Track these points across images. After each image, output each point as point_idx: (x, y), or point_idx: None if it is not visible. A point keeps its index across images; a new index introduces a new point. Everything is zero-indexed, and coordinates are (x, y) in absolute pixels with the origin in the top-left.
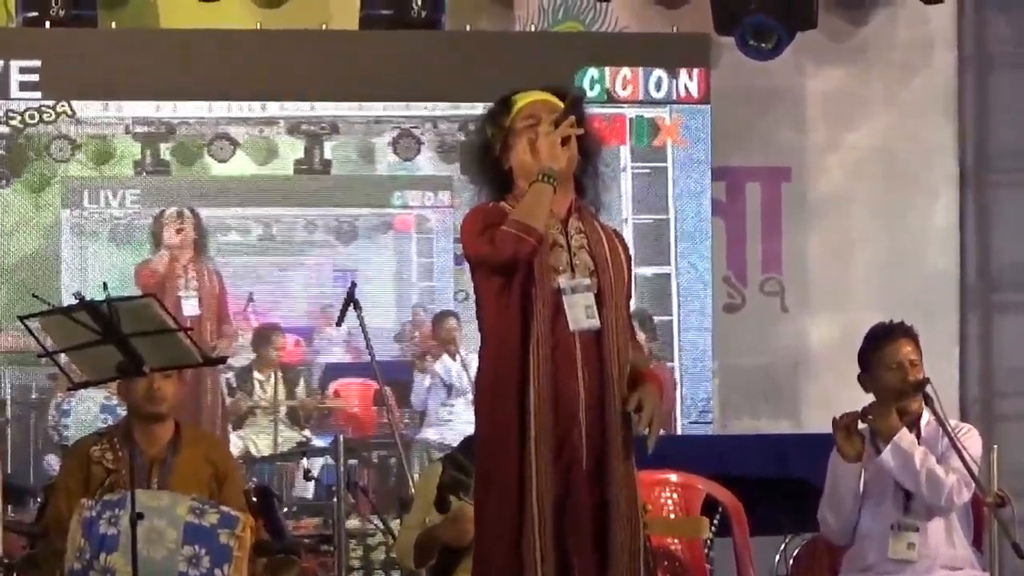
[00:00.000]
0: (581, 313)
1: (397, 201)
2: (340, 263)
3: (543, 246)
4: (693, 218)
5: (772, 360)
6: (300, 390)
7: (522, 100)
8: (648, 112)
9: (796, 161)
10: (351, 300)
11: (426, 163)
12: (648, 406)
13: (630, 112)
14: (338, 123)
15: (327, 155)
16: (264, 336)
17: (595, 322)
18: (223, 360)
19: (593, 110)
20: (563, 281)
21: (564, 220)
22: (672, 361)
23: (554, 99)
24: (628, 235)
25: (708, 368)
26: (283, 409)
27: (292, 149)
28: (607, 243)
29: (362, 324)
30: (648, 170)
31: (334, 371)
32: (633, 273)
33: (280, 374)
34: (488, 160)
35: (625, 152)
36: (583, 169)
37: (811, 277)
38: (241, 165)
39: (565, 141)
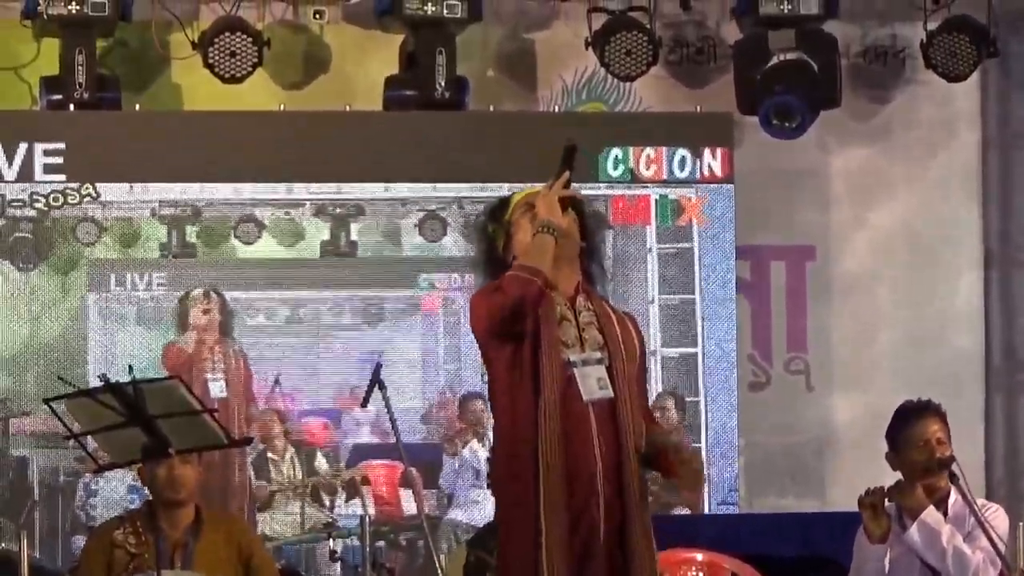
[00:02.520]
0: (594, 384)
1: (423, 283)
2: (367, 345)
3: (549, 308)
4: (718, 297)
5: (798, 439)
6: (325, 470)
7: (519, 196)
8: (672, 192)
9: (820, 240)
10: (376, 380)
11: (452, 244)
12: (691, 453)
13: (654, 192)
14: (364, 205)
15: (353, 237)
16: (265, 423)
17: (608, 392)
18: (249, 441)
19: (617, 191)
20: (573, 355)
21: (571, 298)
22: (700, 442)
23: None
24: (654, 316)
25: (734, 447)
26: (307, 489)
27: (318, 231)
28: (617, 321)
29: (388, 405)
30: (674, 250)
31: (361, 452)
32: (647, 353)
33: (294, 453)
34: (493, 257)
35: (650, 232)
36: (588, 255)
37: (836, 356)
38: (267, 247)
39: (564, 203)
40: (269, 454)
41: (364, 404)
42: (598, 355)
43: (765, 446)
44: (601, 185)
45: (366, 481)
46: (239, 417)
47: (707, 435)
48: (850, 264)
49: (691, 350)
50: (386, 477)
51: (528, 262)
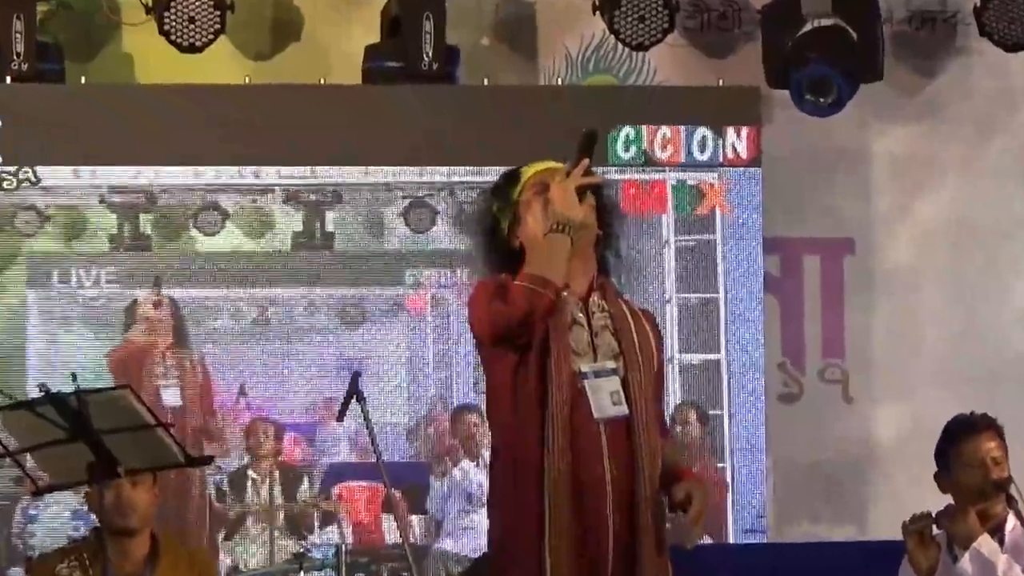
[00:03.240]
0: (606, 399)
1: (409, 279)
2: (345, 351)
3: (560, 312)
4: (744, 297)
5: (833, 456)
6: (301, 493)
7: (530, 170)
8: (691, 176)
9: (860, 232)
10: (354, 392)
11: (442, 235)
12: (697, 501)
13: (671, 177)
14: (341, 191)
15: (329, 227)
16: (256, 432)
17: (622, 408)
18: (209, 460)
19: (629, 175)
20: (585, 365)
21: (584, 298)
22: (723, 461)
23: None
24: (671, 317)
25: (762, 467)
26: (280, 515)
27: (290, 220)
28: (634, 323)
29: (367, 419)
30: (693, 243)
31: (338, 472)
32: (664, 358)
33: (277, 475)
34: (496, 240)
35: (667, 222)
36: (604, 242)
37: (877, 362)
38: (232, 239)
39: (581, 194)
40: (251, 472)
41: (340, 418)
42: (612, 365)
43: (797, 465)
44: (611, 169)
45: (343, 505)
46: (195, 432)
47: (731, 453)
48: (893, 259)
49: (713, 356)
50: (366, 501)
51: (540, 270)
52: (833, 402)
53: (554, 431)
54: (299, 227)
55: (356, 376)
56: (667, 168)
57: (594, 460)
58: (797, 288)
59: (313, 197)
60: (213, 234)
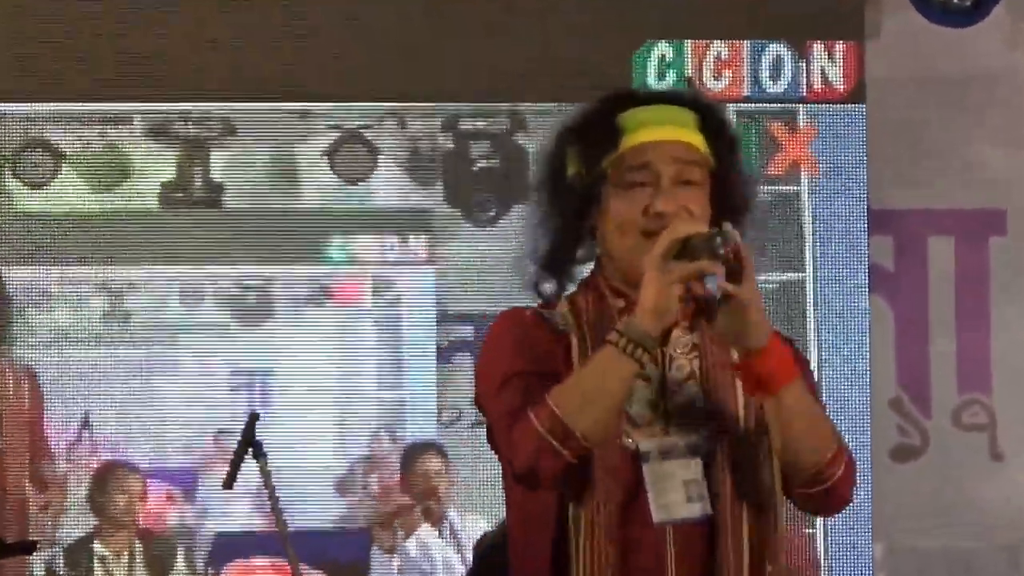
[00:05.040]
0: (678, 494)
1: (338, 252)
2: (242, 360)
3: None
4: (839, 301)
5: (976, 542)
6: (175, 572)
7: (635, 131)
8: (761, 116)
9: (1014, 199)
10: (249, 444)
11: (387, 188)
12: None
13: (731, 116)
14: (234, 121)
15: (215, 175)
16: (107, 483)
17: (703, 506)
18: (32, 547)
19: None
20: (646, 443)
21: (667, 328)
22: (813, 526)
23: (688, 135)
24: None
25: (867, 551)
26: None
27: (156, 165)
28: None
29: (267, 480)
30: (769, 198)
31: (231, 546)
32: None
33: (139, 549)
34: (564, 206)
35: None
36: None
37: None
38: (70, 192)
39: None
40: (99, 546)
41: (228, 484)
42: (692, 439)
43: (919, 553)
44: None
45: None
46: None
47: (824, 531)
48: None
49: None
50: None
51: (569, 402)
52: (975, 459)
53: (593, 538)
54: (171, 175)
55: (253, 420)
56: (723, 104)
57: None
58: (919, 287)
59: (192, 130)
60: (41, 185)
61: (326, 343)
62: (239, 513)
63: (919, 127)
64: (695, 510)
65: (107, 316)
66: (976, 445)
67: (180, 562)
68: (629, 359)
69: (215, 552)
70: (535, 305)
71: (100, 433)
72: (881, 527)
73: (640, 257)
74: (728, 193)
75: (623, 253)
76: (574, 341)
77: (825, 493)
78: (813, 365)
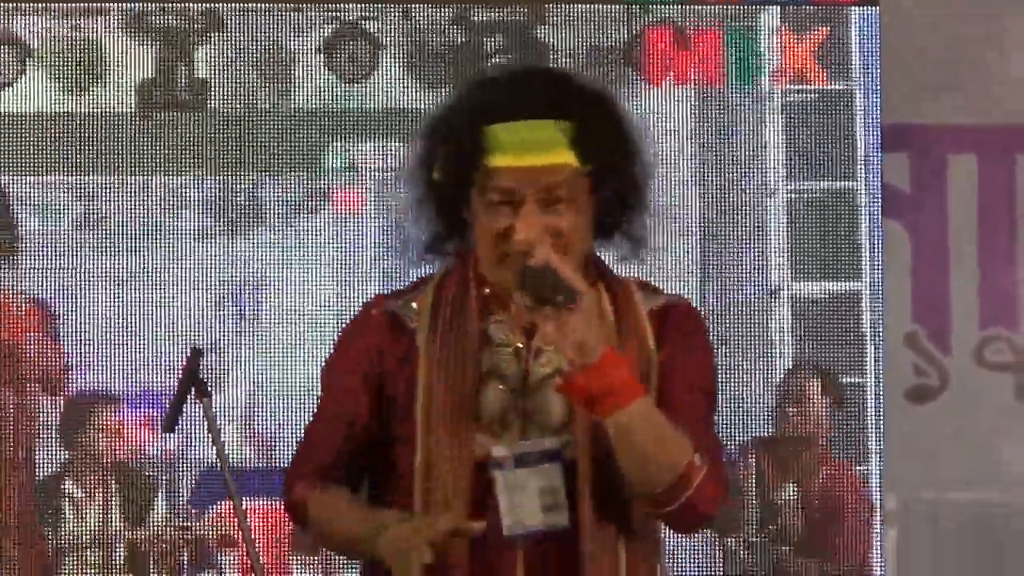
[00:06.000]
0: (532, 503)
1: (337, 158)
2: (229, 272)
3: (464, 375)
4: (847, 222)
5: (999, 495)
6: (155, 514)
7: (501, 152)
8: (760, 19)
9: None
10: (192, 380)
11: (390, 87)
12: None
13: (725, 20)
14: (221, 12)
15: (200, 71)
16: (79, 412)
17: (560, 517)
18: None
19: (648, 19)
20: (497, 449)
21: (530, 326)
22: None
23: (556, 155)
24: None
25: (878, 506)
26: (119, 553)
27: (136, 58)
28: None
29: (211, 424)
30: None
31: (219, 484)
32: (706, 382)
33: (113, 486)
34: (437, 202)
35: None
36: (611, 224)
37: None
38: (39, 92)
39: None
40: (69, 484)
41: (168, 427)
42: (550, 444)
43: (939, 506)
44: (616, 6)
45: (227, 541)
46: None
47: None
48: None
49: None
50: (267, 521)
51: (318, 526)
52: (999, 401)
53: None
54: (151, 73)
55: (196, 356)
56: (715, 4)
57: None
58: (939, 210)
59: (174, 23)
60: (8, 84)
61: (322, 255)
62: (233, 439)
63: (939, 28)
64: (553, 519)
65: (77, 226)
66: (1000, 385)
67: (161, 501)
68: (370, 554)
69: (200, 490)
70: (404, 287)
71: (70, 356)
72: (893, 479)
73: (496, 274)
74: (618, 190)
75: (484, 262)
76: (421, 344)
77: (681, 510)
78: (813, 288)
